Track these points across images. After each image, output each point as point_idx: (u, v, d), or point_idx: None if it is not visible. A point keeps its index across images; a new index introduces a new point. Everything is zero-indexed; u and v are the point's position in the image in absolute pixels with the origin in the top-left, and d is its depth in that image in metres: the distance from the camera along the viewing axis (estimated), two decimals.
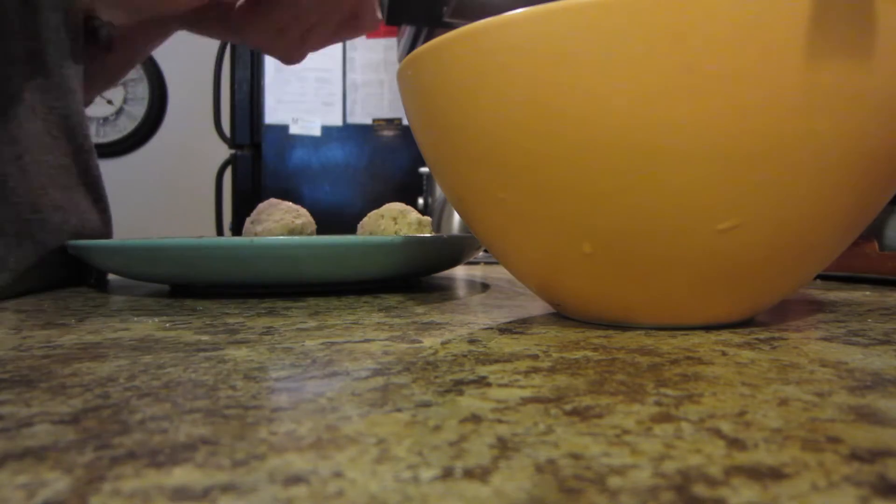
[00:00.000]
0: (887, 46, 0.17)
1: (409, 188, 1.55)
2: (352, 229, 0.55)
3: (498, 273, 0.53)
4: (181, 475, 0.10)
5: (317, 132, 1.60)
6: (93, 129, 2.21)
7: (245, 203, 1.57)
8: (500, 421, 0.12)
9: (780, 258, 0.20)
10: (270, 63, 1.56)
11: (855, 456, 0.10)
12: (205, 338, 0.21)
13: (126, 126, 2.42)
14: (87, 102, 0.49)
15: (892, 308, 0.28)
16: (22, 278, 0.39)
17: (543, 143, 0.19)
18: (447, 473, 0.10)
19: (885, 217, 0.42)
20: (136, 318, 0.26)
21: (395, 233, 0.44)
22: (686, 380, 0.15)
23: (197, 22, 0.51)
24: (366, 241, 0.33)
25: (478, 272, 0.55)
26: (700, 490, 0.09)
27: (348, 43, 1.60)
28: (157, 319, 0.26)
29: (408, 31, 1.19)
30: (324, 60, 1.58)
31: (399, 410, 0.13)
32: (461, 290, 0.37)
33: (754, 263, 0.20)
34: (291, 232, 0.43)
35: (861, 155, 0.18)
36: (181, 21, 0.52)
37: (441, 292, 0.36)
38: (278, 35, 0.48)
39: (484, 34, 0.19)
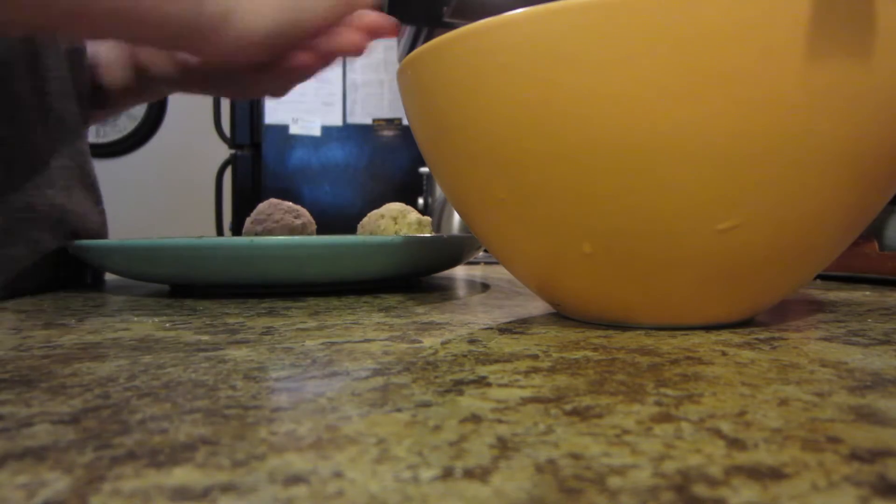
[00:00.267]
0: (887, 46, 0.17)
1: (409, 188, 1.55)
2: (352, 229, 0.55)
3: (498, 273, 0.53)
4: (181, 475, 0.10)
5: (317, 132, 1.60)
6: (92, 129, 2.21)
7: (245, 203, 1.57)
8: (500, 421, 0.12)
9: (780, 258, 0.20)
10: None
11: (855, 456, 0.10)
12: (205, 338, 0.21)
13: (126, 126, 2.41)
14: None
15: (892, 308, 0.28)
16: (20, 278, 0.39)
17: (543, 143, 0.19)
18: (447, 473, 0.10)
19: (885, 217, 0.42)
20: (136, 318, 0.26)
21: (395, 233, 0.44)
22: (686, 380, 0.15)
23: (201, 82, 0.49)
24: (366, 241, 0.33)
25: (478, 272, 0.55)
26: (700, 490, 0.09)
27: None
28: (157, 319, 0.26)
29: (408, 31, 1.19)
30: None
31: (399, 410, 0.13)
32: (461, 290, 0.37)
33: (754, 263, 0.20)
34: (291, 232, 0.43)
35: (861, 155, 0.18)
36: (180, 83, 0.49)
37: (441, 292, 0.36)
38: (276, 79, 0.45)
39: (484, 34, 0.19)
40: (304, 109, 1.58)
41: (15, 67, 0.40)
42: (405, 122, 1.62)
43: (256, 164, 1.59)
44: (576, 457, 0.10)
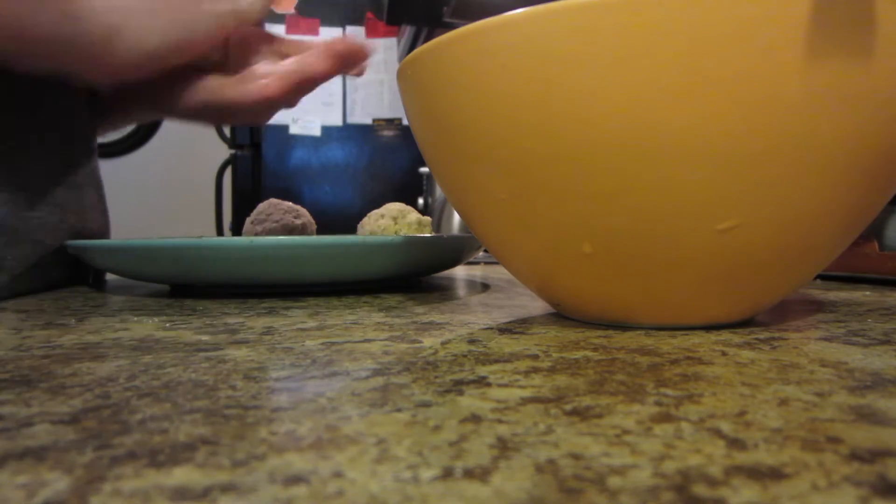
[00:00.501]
0: (887, 46, 0.17)
1: (409, 188, 1.55)
2: (352, 229, 0.55)
3: (498, 273, 0.53)
4: (181, 475, 0.10)
5: (317, 132, 1.60)
6: None
7: (245, 203, 1.57)
8: (500, 421, 0.12)
9: (781, 258, 0.20)
10: None
11: (855, 456, 0.10)
12: (205, 338, 0.21)
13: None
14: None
15: (892, 308, 0.28)
16: (21, 278, 0.39)
17: (543, 143, 0.19)
18: (447, 473, 0.10)
19: (885, 217, 0.42)
20: (136, 318, 0.26)
21: (395, 233, 0.44)
22: (686, 380, 0.15)
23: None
24: (366, 241, 0.33)
25: (478, 272, 0.55)
26: (700, 490, 0.09)
27: None
28: (157, 319, 0.26)
29: (408, 31, 1.19)
30: None
31: (399, 410, 0.13)
32: (461, 290, 0.37)
33: (754, 263, 0.20)
34: (291, 232, 0.43)
35: (861, 155, 0.18)
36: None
37: (441, 292, 0.36)
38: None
39: (484, 34, 0.19)
40: (304, 109, 1.58)
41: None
42: (405, 122, 1.62)
43: (256, 164, 1.59)
44: (576, 457, 0.10)
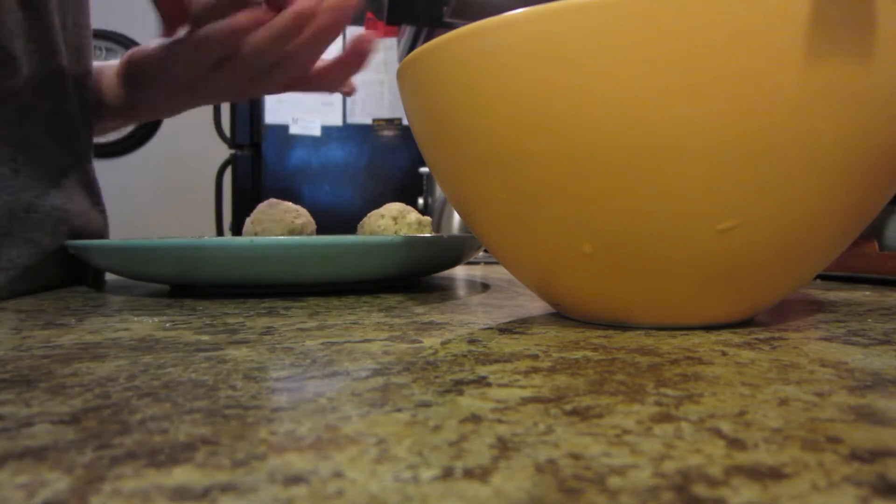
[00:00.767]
0: (887, 46, 0.17)
1: (409, 188, 1.55)
2: (352, 229, 0.55)
3: (498, 273, 0.53)
4: (181, 475, 0.10)
5: (317, 132, 1.60)
6: None
7: (245, 203, 1.57)
8: (500, 421, 0.12)
9: (781, 258, 0.20)
10: None
11: (855, 456, 0.10)
12: (205, 338, 0.21)
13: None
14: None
15: (892, 308, 0.28)
16: (20, 278, 0.39)
17: (543, 143, 0.19)
18: (447, 473, 0.10)
19: (885, 217, 0.42)
20: (136, 318, 0.26)
21: (395, 233, 0.44)
22: (686, 380, 0.15)
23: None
24: (366, 241, 0.33)
25: (478, 272, 0.55)
26: (700, 490, 0.09)
27: (348, 43, 1.60)
28: (157, 319, 0.26)
29: (408, 31, 1.19)
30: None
31: (399, 410, 0.13)
32: (461, 290, 0.37)
33: (754, 263, 0.20)
34: (291, 232, 0.43)
35: (861, 155, 0.18)
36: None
37: (441, 292, 0.36)
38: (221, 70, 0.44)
39: (483, 34, 0.19)
40: (304, 109, 1.58)
41: (18, 65, 0.40)
42: (405, 122, 1.62)
43: (256, 165, 1.59)
44: (576, 457, 0.10)
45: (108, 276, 0.51)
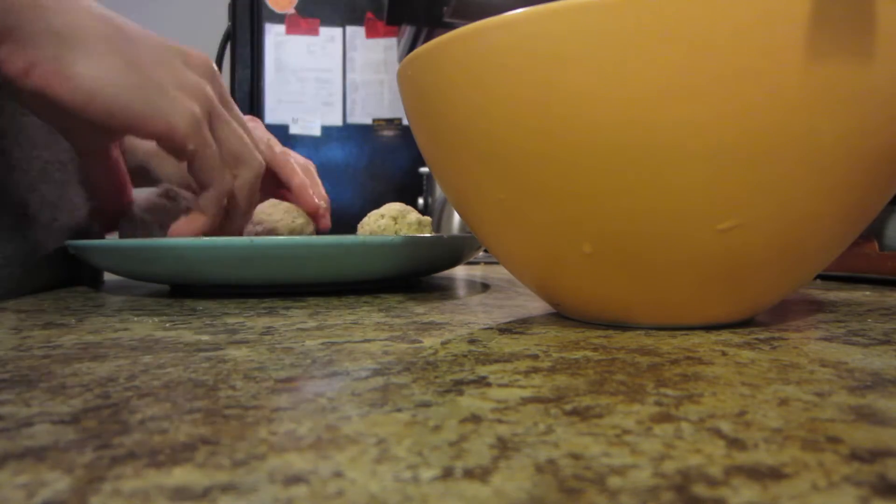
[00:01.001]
0: (887, 46, 0.17)
1: (409, 188, 1.55)
2: (352, 229, 0.55)
3: (498, 273, 0.53)
4: (181, 475, 0.10)
5: (317, 132, 1.60)
6: None
7: None
8: (500, 421, 0.12)
9: (781, 258, 0.20)
10: (270, 63, 1.56)
11: (855, 456, 0.10)
12: (205, 338, 0.21)
13: None
14: None
15: (892, 308, 0.28)
16: (18, 278, 0.39)
17: (543, 143, 0.19)
18: (447, 473, 0.10)
19: (885, 217, 0.42)
20: (136, 318, 0.26)
21: (395, 233, 0.44)
22: (686, 380, 0.15)
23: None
24: (366, 241, 0.33)
25: (478, 272, 0.55)
26: (700, 490, 0.09)
27: (348, 43, 1.60)
28: (157, 319, 0.26)
29: (408, 31, 1.19)
30: (324, 60, 1.58)
31: (399, 410, 0.13)
32: (461, 290, 0.37)
33: (754, 263, 0.20)
34: (291, 232, 0.43)
35: (861, 155, 0.18)
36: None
37: (441, 292, 0.36)
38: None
39: (483, 34, 0.19)
40: (304, 109, 1.58)
41: None
42: (405, 122, 1.62)
43: None
44: (576, 457, 0.10)
45: (108, 276, 0.51)
